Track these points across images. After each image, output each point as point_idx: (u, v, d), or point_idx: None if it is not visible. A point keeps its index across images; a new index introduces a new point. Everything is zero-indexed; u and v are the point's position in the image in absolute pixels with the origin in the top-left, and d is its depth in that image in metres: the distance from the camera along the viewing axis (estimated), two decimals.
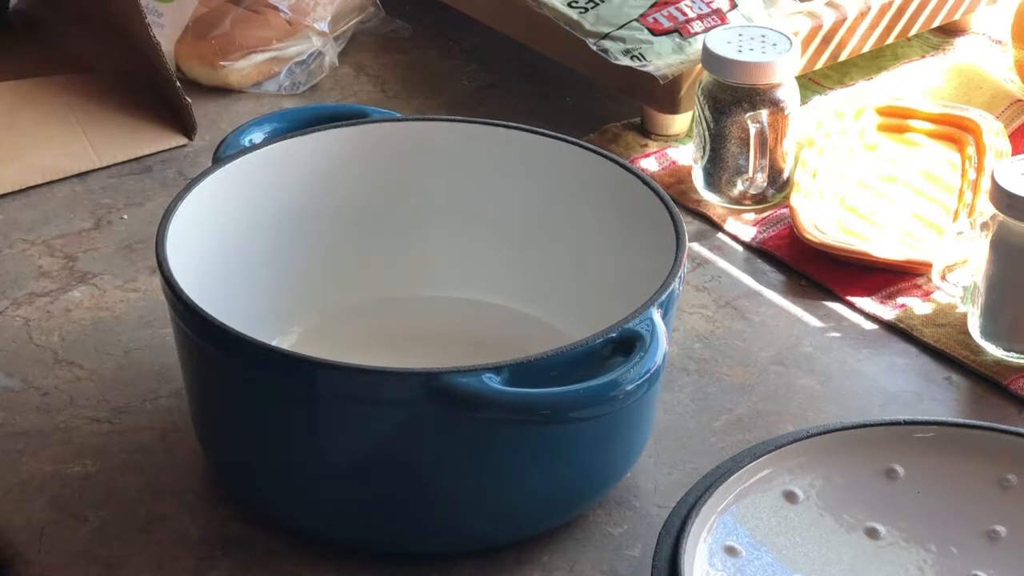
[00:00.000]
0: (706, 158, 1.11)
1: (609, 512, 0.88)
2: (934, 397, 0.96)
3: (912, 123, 1.15)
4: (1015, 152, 1.12)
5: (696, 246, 1.08)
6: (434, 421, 0.79)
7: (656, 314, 0.81)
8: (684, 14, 1.17)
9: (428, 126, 0.97)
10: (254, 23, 1.26)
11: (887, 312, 1.02)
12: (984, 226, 0.96)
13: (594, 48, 1.15)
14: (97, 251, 1.08)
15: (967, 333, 0.99)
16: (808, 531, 0.83)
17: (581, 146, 0.94)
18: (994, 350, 0.98)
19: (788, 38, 1.10)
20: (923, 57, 1.28)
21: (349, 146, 0.96)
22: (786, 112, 1.09)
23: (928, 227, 1.08)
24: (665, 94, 1.14)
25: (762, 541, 0.82)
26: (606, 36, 1.16)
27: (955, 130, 1.13)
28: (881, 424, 0.86)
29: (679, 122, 1.18)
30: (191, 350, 0.85)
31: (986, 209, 0.97)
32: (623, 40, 1.15)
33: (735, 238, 1.09)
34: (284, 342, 0.95)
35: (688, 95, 1.14)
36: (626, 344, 0.79)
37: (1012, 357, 0.97)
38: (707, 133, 1.10)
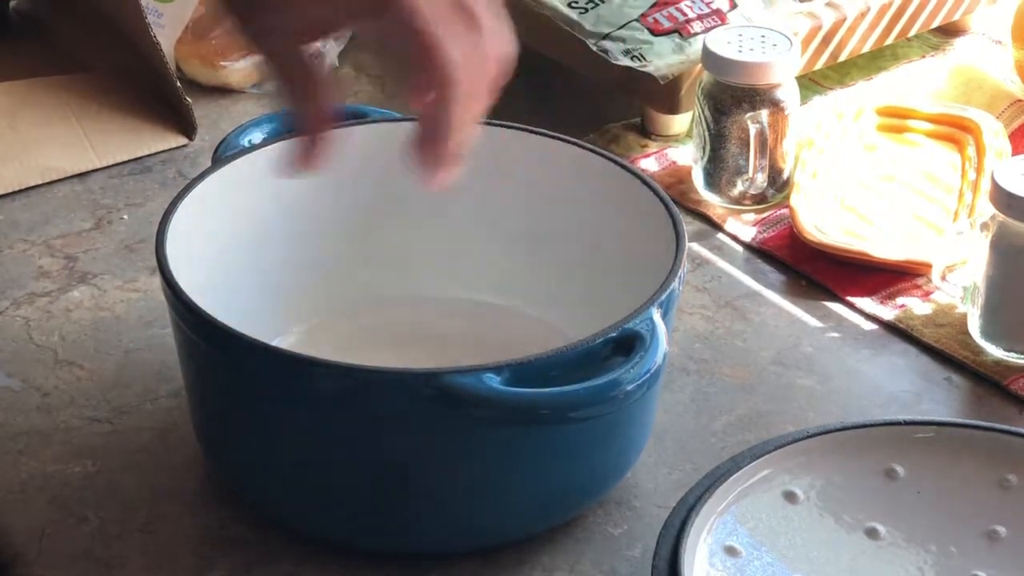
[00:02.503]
0: (706, 158, 1.11)
1: (609, 512, 0.88)
2: (934, 397, 0.96)
3: (912, 123, 1.15)
4: (1015, 152, 1.12)
5: (696, 246, 1.08)
6: (434, 421, 0.79)
7: (656, 314, 0.81)
8: (684, 14, 1.17)
9: None
10: None
11: (887, 312, 1.02)
12: (984, 226, 0.96)
13: (594, 48, 1.15)
14: (97, 251, 1.08)
15: (967, 333, 0.99)
16: (808, 531, 0.83)
17: (581, 146, 0.94)
18: (994, 350, 0.98)
19: (788, 38, 1.09)
20: (923, 57, 1.28)
21: (349, 146, 0.96)
22: (786, 112, 1.09)
23: (928, 227, 1.08)
24: (665, 94, 1.14)
25: (762, 541, 0.82)
26: (606, 36, 1.16)
27: (955, 130, 1.13)
28: (881, 424, 0.86)
29: (679, 122, 1.18)
30: (191, 350, 0.85)
31: (986, 209, 0.97)
32: (623, 40, 1.15)
33: (735, 238, 1.09)
34: (284, 342, 0.95)
35: (688, 95, 1.14)
36: (626, 344, 0.79)
37: (1012, 357, 0.97)
38: (707, 133, 1.10)
